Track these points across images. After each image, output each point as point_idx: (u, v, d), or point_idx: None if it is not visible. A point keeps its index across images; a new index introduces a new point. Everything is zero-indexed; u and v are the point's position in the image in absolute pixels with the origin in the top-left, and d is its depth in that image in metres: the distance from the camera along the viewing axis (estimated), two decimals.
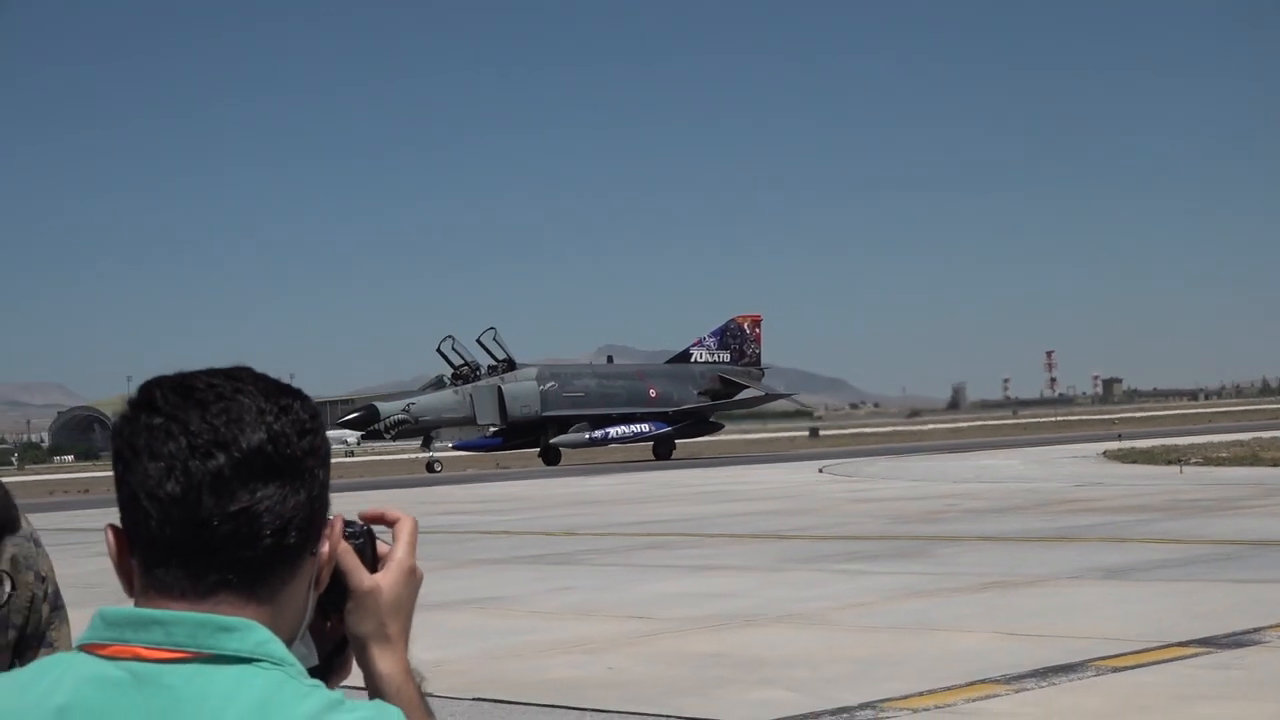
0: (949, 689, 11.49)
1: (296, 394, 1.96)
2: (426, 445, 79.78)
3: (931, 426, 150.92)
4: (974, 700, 11.07)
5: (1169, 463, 45.74)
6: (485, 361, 78.79)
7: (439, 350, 76.99)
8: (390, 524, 2.19)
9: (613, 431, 79.84)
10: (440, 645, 14.82)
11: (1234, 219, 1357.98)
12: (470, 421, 79.85)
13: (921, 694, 11.34)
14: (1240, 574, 18.03)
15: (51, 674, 1.85)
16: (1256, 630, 13.51)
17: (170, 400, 1.87)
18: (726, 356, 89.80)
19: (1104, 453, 56.32)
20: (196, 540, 1.83)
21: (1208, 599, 15.91)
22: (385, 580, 2.07)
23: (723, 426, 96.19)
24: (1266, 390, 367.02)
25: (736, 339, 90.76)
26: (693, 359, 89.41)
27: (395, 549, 2.11)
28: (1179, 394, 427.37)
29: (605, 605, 17.93)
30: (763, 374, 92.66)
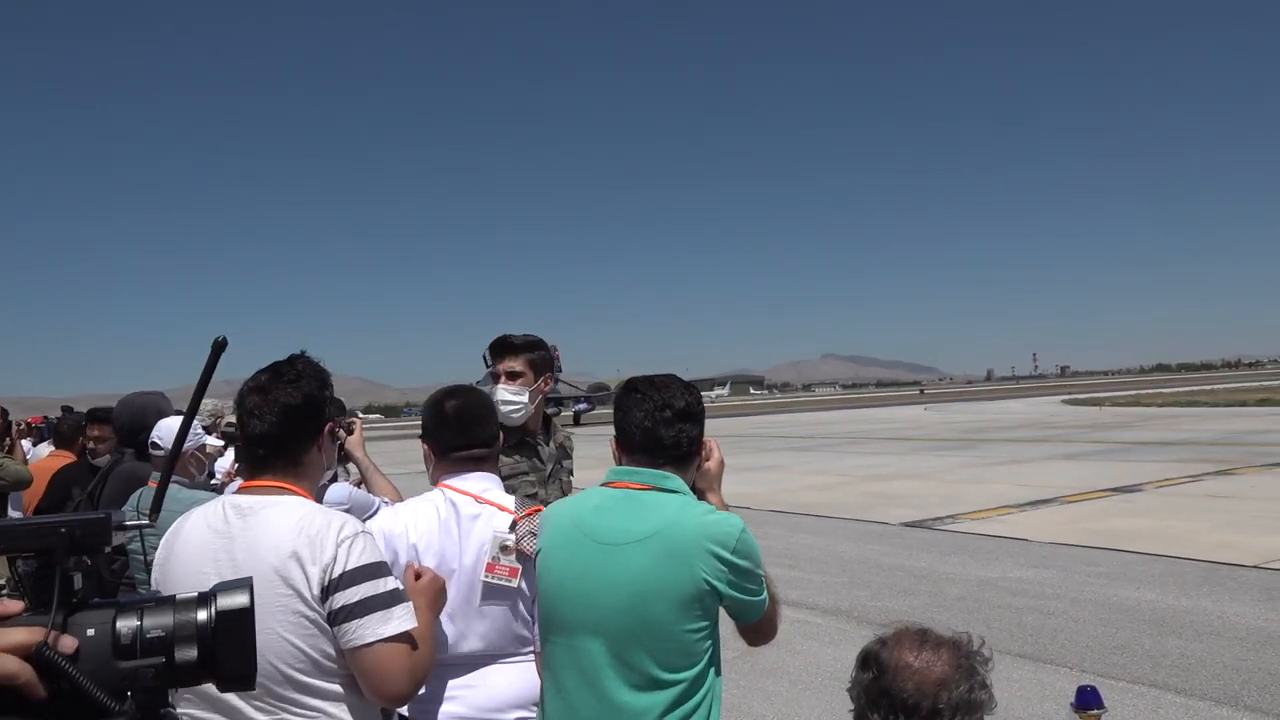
0: (988, 509, 10.88)
1: (692, 388, 1.98)
2: None
3: (977, 389, 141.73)
4: (999, 516, 10.42)
5: (1090, 405, 41.95)
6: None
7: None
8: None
9: None
10: (749, 486, 14.83)
11: None
12: None
13: (975, 511, 10.78)
14: (1132, 458, 16.23)
15: (590, 493, 1.97)
16: (1140, 485, 12.36)
17: (644, 388, 1.94)
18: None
19: (1062, 400, 51.69)
20: (654, 448, 1.91)
21: (1117, 469, 14.47)
22: (713, 461, 2.03)
23: None
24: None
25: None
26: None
27: (714, 450, 2.05)
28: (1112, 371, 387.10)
29: (826, 468, 17.35)
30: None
